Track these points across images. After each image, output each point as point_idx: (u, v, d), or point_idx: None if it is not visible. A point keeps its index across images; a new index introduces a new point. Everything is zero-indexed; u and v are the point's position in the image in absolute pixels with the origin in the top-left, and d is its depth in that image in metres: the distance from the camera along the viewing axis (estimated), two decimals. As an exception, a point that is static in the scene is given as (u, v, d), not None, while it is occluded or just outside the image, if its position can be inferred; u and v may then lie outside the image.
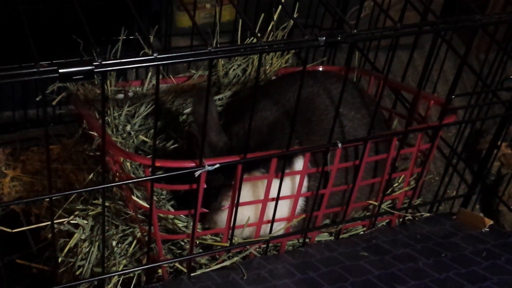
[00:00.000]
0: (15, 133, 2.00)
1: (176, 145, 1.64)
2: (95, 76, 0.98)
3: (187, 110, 1.69)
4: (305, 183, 1.38)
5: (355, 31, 1.13)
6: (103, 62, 0.98)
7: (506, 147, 2.21)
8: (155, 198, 1.48)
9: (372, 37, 1.21)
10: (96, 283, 1.38)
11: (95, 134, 1.36)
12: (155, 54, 1.01)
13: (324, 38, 1.10)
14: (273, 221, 1.34)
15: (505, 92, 1.54)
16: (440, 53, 1.70)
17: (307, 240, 1.45)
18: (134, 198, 1.28)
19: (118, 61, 1.00)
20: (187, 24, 2.31)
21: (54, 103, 1.52)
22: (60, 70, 0.96)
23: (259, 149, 1.34)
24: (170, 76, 1.71)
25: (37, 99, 1.91)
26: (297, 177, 1.34)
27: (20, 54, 1.61)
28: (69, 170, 1.80)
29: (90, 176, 1.48)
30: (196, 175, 1.18)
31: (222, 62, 1.73)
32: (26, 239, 1.73)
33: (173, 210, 1.47)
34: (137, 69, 1.95)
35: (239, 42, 1.75)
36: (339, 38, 1.12)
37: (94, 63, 0.97)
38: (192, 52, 1.04)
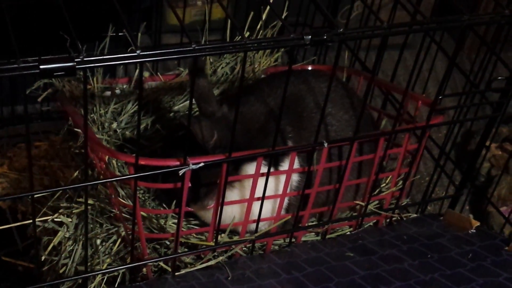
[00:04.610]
0: (3, 130, 1.99)
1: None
2: (77, 73, 0.97)
3: (176, 107, 1.67)
4: (295, 177, 1.37)
5: (342, 30, 1.12)
6: (85, 59, 0.97)
7: (496, 148, 2.21)
8: (141, 196, 1.47)
9: (360, 36, 1.20)
10: (80, 281, 1.37)
11: (80, 131, 1.35)
12: (138, 51, 1.00)
13: (310, 37, 1.09)
14: (259, 219, 1.33)
15: (494, 93, 1.53)
16: (432, 53, 1.70)
17: (293, 240, 1.44)
18: (118, 197, 1.27)
19: (100, 57, 0.98)
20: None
21: (39, 99, 1.51)
22: (41, 66, 0.94)
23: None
24: (158, 73, 1.70)
25: (23, 95, 1.90)
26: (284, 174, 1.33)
27: (8, 50, 1.60)
28: (56, 167, 1.78)
29: (76, 174, 1.48)
30: (180, 174, 1.17)
31: (211, 60, 1.72)
32: (12, 236, 1.72)
33: (161, 209, 1.46)
34: (126, 66, 1.93)
35: (228, 40, 1.74)
36: (325, 37, 1.11)
37: (76, 60, 0.96)
38: (176, 50, 1.03)
